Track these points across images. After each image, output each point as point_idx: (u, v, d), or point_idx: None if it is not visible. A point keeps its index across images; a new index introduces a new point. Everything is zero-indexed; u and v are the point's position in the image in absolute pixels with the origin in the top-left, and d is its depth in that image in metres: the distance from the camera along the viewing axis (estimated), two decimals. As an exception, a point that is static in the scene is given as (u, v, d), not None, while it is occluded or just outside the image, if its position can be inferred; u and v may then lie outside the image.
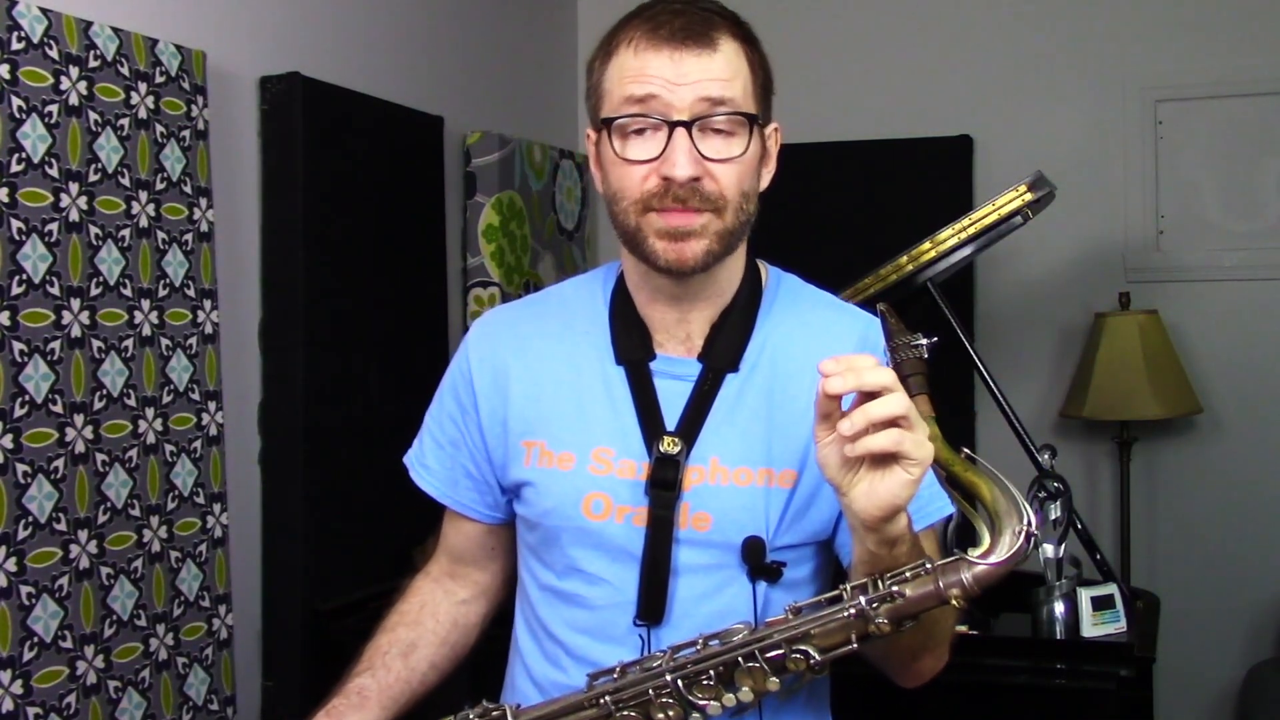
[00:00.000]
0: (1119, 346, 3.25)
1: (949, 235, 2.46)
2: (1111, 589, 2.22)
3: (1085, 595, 2.19)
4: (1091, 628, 2.17)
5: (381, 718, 1.35)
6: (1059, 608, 2.20)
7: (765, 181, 1.32)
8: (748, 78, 1.26)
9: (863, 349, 1.29)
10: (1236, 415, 3.44)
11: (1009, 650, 2.15)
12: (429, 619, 1.44)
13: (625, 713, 1.17)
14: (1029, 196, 2.44)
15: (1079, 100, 3.51)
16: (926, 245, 2.46)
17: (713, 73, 1.22)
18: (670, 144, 1.22)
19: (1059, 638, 2.18)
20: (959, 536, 1.19)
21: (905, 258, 2.47)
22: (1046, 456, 2.35)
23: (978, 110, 3.57)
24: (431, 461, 1.43)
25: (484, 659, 1.48)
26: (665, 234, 1.24)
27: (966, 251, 2.53)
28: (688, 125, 1.22)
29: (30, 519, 1.92)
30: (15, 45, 1.91)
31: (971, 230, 2.46)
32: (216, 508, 2.29)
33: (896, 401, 1.04)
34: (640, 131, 1.24)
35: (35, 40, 1.94)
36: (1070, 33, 3.52)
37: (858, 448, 1.05)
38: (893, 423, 1.04)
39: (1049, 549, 2.22)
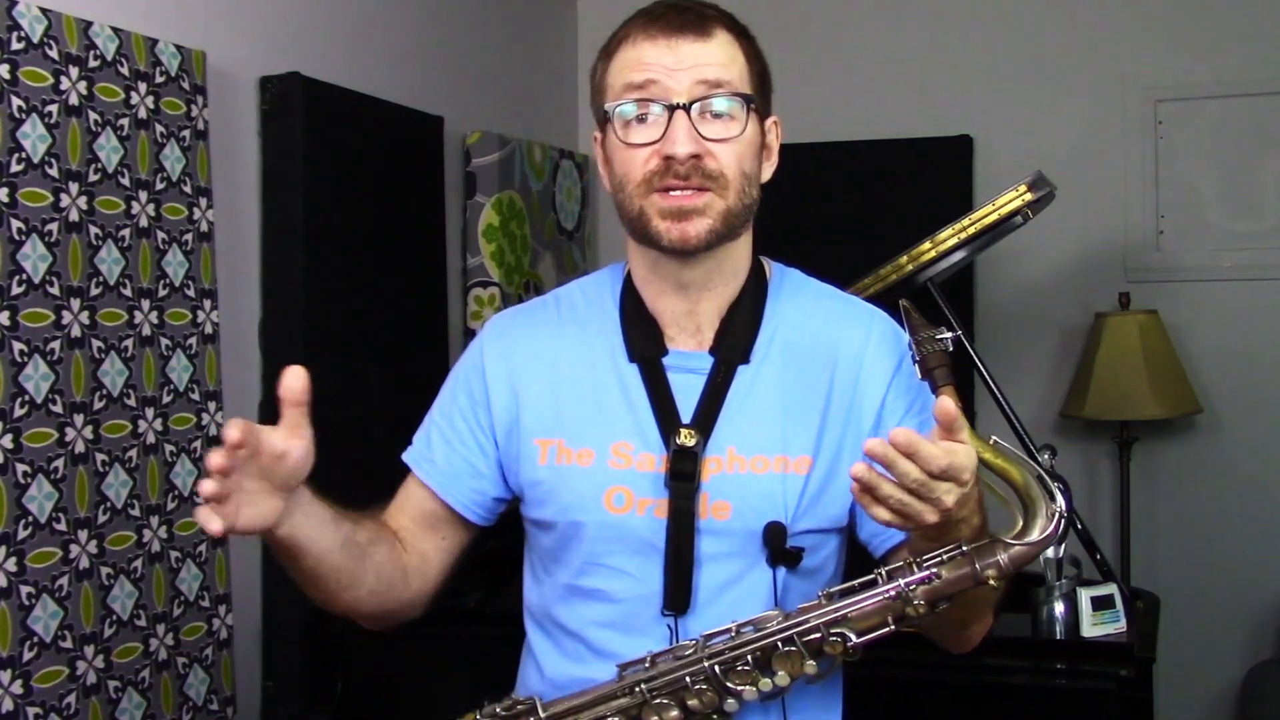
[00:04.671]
0: (1119, 346, 3.25)
1: (949, 235, 2.46)
2: (1111, 589, 2.22)
3: (1085, 595, 2.19)
4: (1091, 628, 2.17)
5: (331, 519, 1.34)
6: (1059, 608, 2.19)
7: (767, 174, 1.36)
8: (744, 65, 1.31)
9: (868, 340, 1.35)
10: (1236, 415, 3.44)
11: (1009, 650, 2.14)
12: (391, 546, 1.42)
13: (659, 700, 1.18)
14: (1029, 196, 2.43)
15: (1079, 100, 3.51)
16: (926, 245, 2.46)
17: (709, 57, 1.28)
18: (670, 125, 1.26)
19: (1059, 638, 2.18)
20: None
21: (905, 258, 2.47)
22: (1046, 456, 2.35)
23: (978, 110, 3.57)
24: (437, 456, 1.42)
25: (483, 661, 1.47)
26: (669, 214, 1.28)
27: (966, 251, 2.53)
28: (686, 107, 1.26)
29: (30, 519, 1.92)
30: (15, 45, 1.91)
31: (971, 230, 2.45)
32: (216, 508, 2.28)
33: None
34: (642, 118, 1.28)
35: (35, 40, 1.94)
36: (1070, 33, 3.52)
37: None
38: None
39: (1049, 549, 2.22)
